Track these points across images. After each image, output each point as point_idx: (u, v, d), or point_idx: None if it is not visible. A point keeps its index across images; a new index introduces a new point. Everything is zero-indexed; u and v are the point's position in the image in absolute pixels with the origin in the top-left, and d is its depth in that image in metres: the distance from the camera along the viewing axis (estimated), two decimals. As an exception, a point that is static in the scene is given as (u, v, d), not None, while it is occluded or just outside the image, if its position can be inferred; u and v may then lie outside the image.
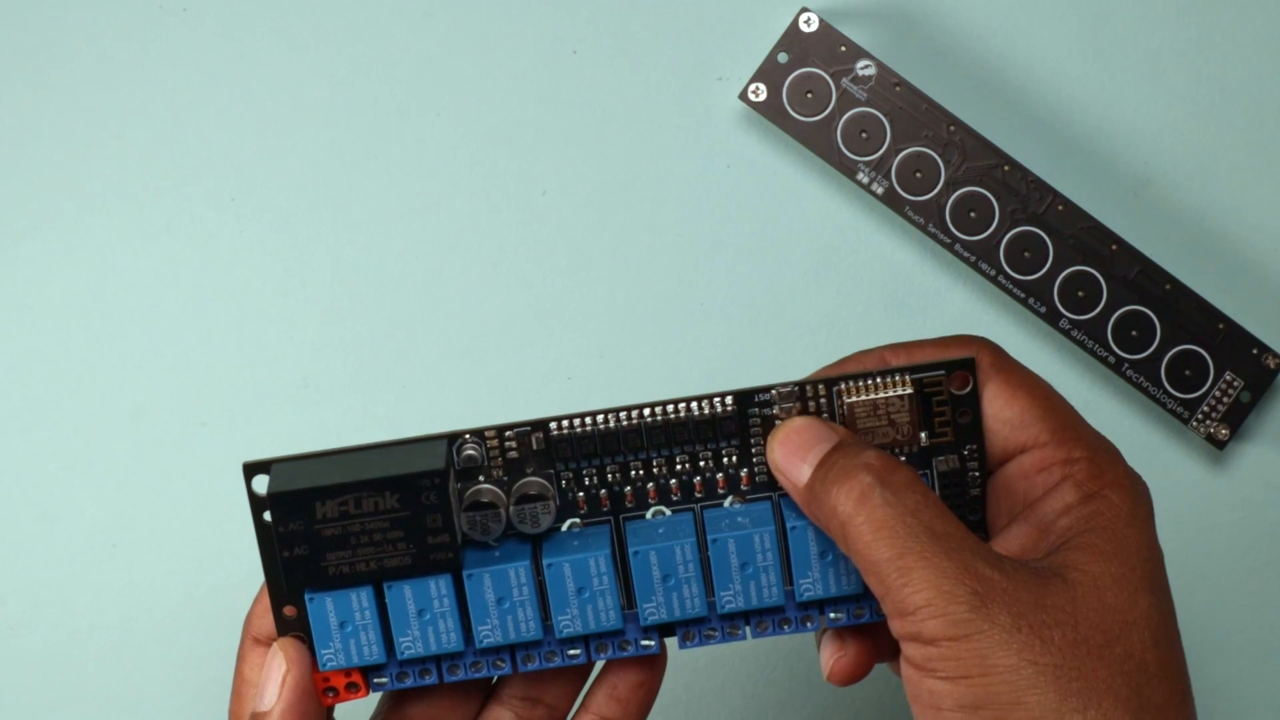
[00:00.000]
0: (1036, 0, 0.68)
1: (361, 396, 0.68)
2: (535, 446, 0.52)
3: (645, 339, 0.69)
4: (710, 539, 0.51)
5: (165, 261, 0.68)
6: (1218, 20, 0.68)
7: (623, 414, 0.52)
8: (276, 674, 0.52)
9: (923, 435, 0.52)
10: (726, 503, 0.52)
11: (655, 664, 0.54)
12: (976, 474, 0.52)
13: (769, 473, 0.52)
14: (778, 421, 0.52)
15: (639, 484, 0.52)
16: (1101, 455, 0.51)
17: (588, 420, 0.52)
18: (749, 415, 0.52)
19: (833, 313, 0.68)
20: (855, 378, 0.52)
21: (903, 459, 0.52)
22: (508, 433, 0.52)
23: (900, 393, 0.52)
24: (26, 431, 0.69)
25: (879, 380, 0.52)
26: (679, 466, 0.52)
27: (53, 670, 0.69)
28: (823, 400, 0.52)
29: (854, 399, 0.52)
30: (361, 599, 0.51)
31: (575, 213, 0.68)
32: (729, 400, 0.52)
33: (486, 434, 0.52)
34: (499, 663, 0.52)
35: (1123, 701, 0.48)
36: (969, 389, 0.52)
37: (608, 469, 0.52)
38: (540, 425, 0.52)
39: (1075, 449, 0.51)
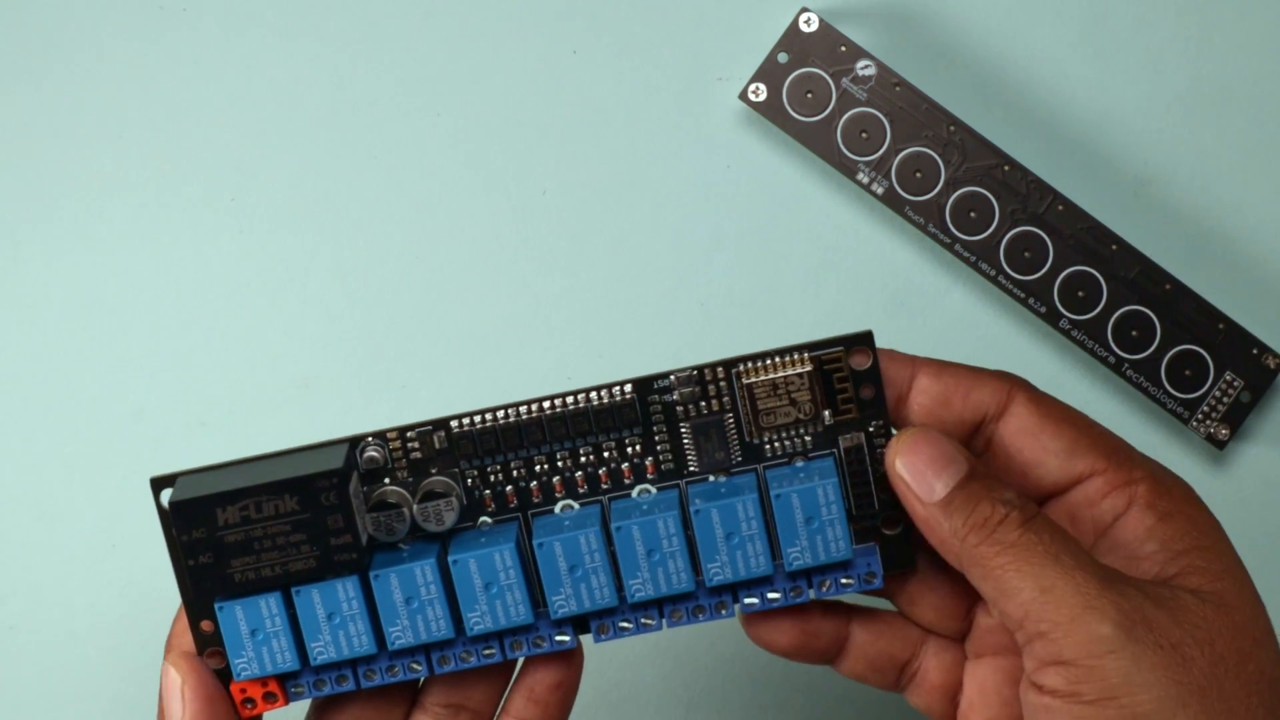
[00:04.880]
0: (1036, 0, 0.68)
1: (361, 396, 0.69)
2: (438, 446, 0.52)
3: (645, 339, 0.69)
4: (615, 527, 0.51)
5: (165, 261, 0.68)
6: (1218, 20, 0.68)
7: (523, 407, 0.52)
8: (175, 690, 0.52)
9: (826, 413, 0.52)
10: (634, 493, 0.52)
11: (572, 663, 0.54)
12: (884, 451, 0.52)
13: (675, 460, 0.52)
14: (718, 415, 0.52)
15: (545, 479, 0.52)
16: (1160, 473, 0.52)
17: (488, 416, 0.52)
18: (649, 402, 0.52)
19: (833, 313, 0.68)
20: (753, 358, 0.52)
21: (806, 438, 0.52)
22: (409, 433, 0.52)
23: (799, 371, 0.52)
24: (27, 431, 0.69)
25: (777, 360, 0.52)
26: (583, 459, 0.52)
27: (53, 670, 0.69)
28: (722, 383, 0.52)
29: (753, 379, 0.52)
30: (270, 605, 0.51)
31: (575, 213, 0.68)
32: (627, 388, 0.52)
33: (389, 435, 0.52)
34: (414, 665, 0.53)
35: None
36: (870, 365, 0.51)
37: (512, 465, 0.52)
38: (441, 424, 0.52)
39: (1134, 470, 0.51)
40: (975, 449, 0.52)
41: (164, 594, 0.69)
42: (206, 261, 0.68)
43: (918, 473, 0.50)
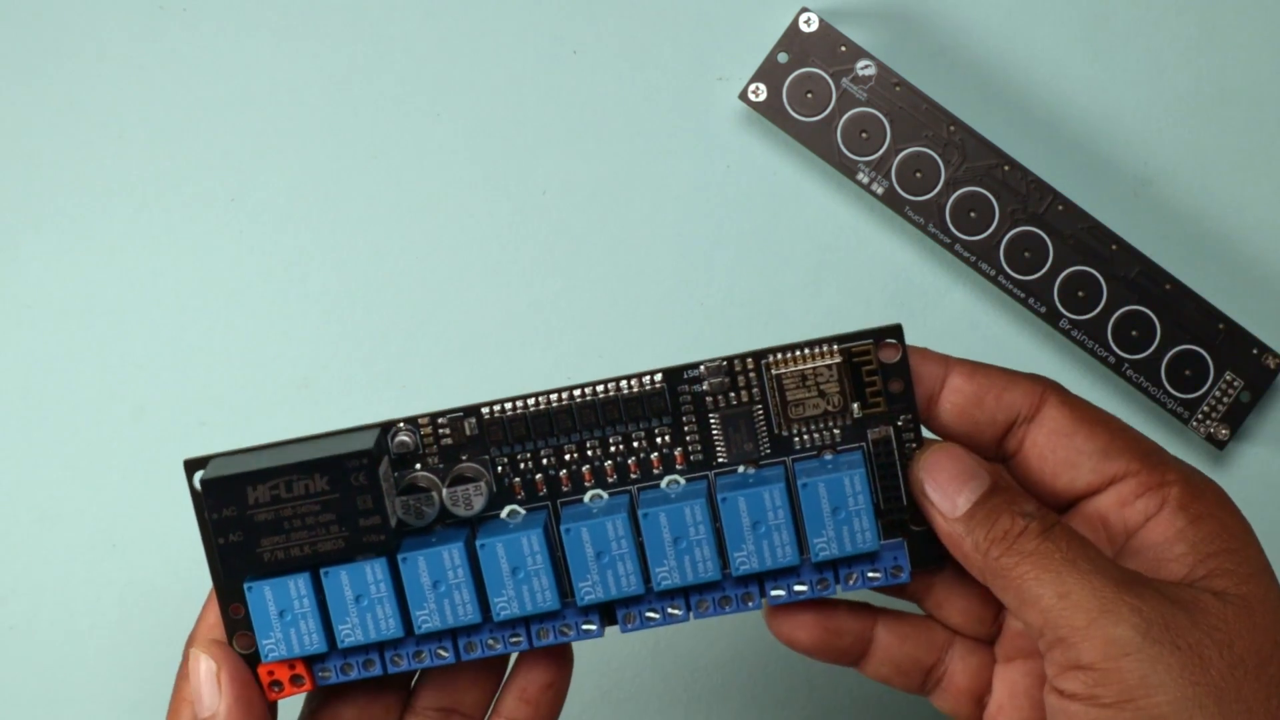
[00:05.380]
0: (1036, 0, 0.68)
1: (361, 396, 0.69)
2: (469, 432, 0.52)
3: (645, 339, 0.69)
4: (642, 514, 0.51)
5: (165, 261, 0.68)
6: (1218, 20, 0.68)
7: (553, 395, 0.52)
8: (208, 675, 0.52)
9: (855, 406, 0.52)
10: (663, 484, 0.53)
11: (564, 664, 0.54)
12: (913, 445, 0.52)
13: (704, 452, 0.52)
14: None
15: (574, 467, 0.52)
16: (1194, 476, 0.52)
17: (519, 403, 0.52)
18: (679, 392, 0.52)
19: (833, 313, 0.68)
20: (783, 349, 0.52)
21: (835, 431, 0.52)
22: (440, 419, 0.52)
23: (828, 362, 0.52)
24: (26, 431, 0.69)
25: (806, 351, 0.52)
26: (613, 448, 0.52)
27: (53, 670, 0.69)
28: (751, 374, 0.52)
29: (782, 370, 0.52)
30: (299, 586, 0.51)
31: (575, 213, 0.68)
32: (657, 377, 0.52)
33: (420, 420, 0.52)
34: (441, 651, 0.53)
35: None
36: (899, 358, 0.51)
37: (542, 453, 0.52)
38: (472, 410, 0.52)
39: (1167, 473, 0.51)
40: (1007, 450, 0.53)
41: (164, 594, 0.69)
42: (206, 261, 0.68)
43: (940, 488, 0.51)
